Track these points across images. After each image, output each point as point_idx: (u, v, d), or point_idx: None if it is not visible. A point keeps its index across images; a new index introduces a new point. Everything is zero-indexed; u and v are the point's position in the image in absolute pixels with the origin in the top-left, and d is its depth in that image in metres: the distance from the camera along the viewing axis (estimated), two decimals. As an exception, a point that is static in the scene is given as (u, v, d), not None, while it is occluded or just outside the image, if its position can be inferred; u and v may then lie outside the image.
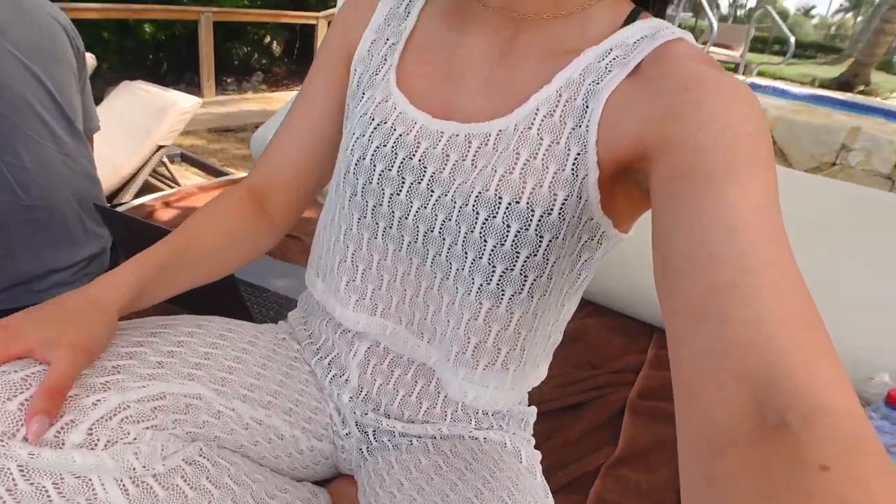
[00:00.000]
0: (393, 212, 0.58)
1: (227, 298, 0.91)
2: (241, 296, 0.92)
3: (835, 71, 12.11)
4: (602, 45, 0.52)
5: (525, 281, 0.54)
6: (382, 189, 0.58)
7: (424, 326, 0.62)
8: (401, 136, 0.57)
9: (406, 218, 0.57)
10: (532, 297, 0.56)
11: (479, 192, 0.52)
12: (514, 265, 0.53)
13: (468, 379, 0.60)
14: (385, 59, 0.62)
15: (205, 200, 1.72)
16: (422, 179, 0.56)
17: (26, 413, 0.43)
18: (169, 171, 2.81)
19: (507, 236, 0.52)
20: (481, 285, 0.54)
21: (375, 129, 0.58)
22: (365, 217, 0.60)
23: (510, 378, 0.61)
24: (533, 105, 0.53)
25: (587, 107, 0.51)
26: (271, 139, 0.70)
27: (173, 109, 2.50)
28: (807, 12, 42.25)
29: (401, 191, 0.57)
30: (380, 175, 0.58)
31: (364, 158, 0.58)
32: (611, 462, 0.93)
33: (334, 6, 6.88)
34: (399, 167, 0.57)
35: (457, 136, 0.55)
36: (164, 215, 1.57)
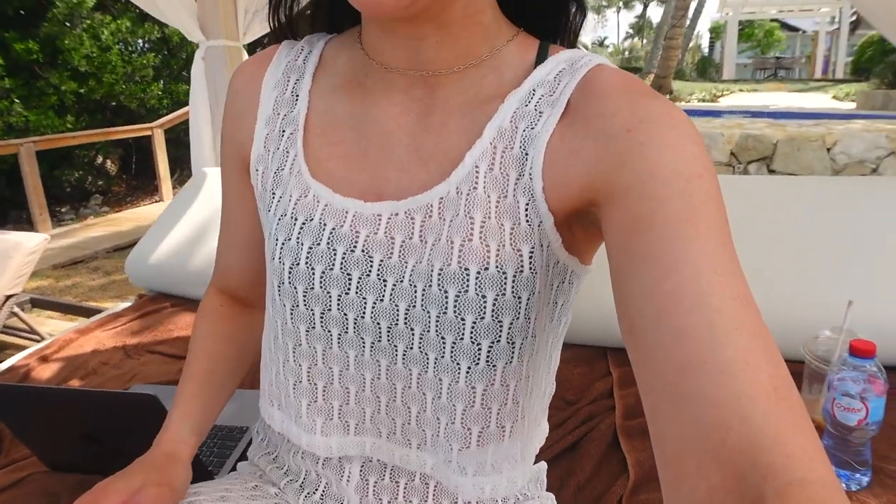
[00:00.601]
0: (346, 314, 0.51)
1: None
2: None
3: (641, 87, 13.71)
4: (524, 87, 0.50)
5: (514, 348, 0.50)
6: (328, 292, 0.51)
7: (410, 432, 0.54)
8: (334, 229, 0.51)
9: (362, 317, 0.51)
10: (522, 361, 0.52)
11: (441, 269, 0.47)
12: (500, 336, 0.49)
13: (480, 472, 0.54)
14: (287, 152, 0.55)
15: (90, 344, 1.50)
16: (370, 271, 0.50)
17: None
18: (23, 321, 2.45)
19: (485, 308, 0.47)
20: (469, 368, 0.49)
21: (302, 228, 0.51)
22: (314, 328, 0.53)
23: (520, 450, 0.56)
24: (470, 163, 0.48)
25: (526, 154, 0.48)
26: (217, 247, 0.67)
27: (17, 252, 2.21)
28: (601, 43, 47.90)
29: (349, 289, 0.50)
30: (321, 277, 0.51)
31: (298, 264, 0.51)
32: (628, 492, 0.90)
33: (166, 114, 6.62)
34: (342, 264, 0.50)
35: (396, 215, 0.50)
36: (45, 372, 1.33)
